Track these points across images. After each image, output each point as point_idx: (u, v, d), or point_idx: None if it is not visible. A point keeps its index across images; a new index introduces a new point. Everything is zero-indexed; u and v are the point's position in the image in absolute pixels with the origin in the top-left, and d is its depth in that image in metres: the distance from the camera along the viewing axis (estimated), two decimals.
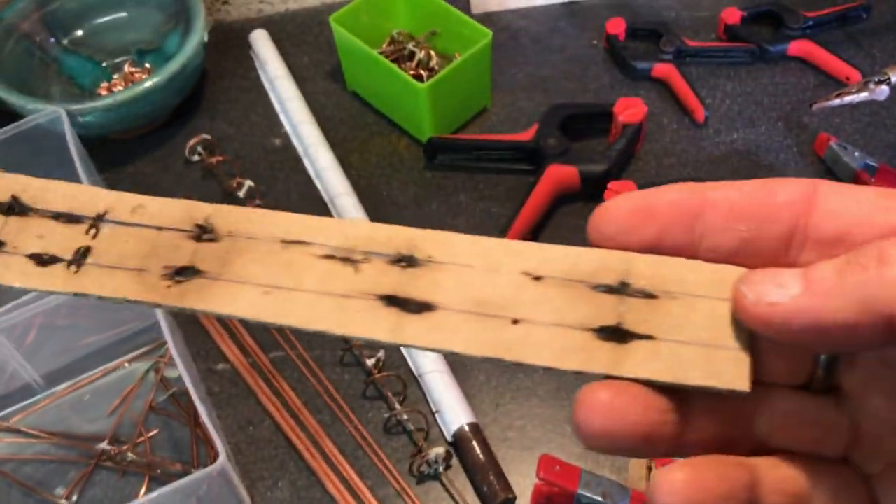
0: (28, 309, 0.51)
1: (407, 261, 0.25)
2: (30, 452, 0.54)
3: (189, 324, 0.59)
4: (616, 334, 0.23)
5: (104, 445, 0.53)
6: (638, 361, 0.22)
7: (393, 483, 0.52)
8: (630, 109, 0.63)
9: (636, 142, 0.64)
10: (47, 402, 0.56)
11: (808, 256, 0.23)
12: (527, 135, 0.63)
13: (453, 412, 0.53)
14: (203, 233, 0.26)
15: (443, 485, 0.52)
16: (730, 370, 0.22)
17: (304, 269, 0.25)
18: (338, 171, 0.65)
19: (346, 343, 0.57)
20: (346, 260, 0.25)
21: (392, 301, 0.24)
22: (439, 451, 0.51)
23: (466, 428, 0.52)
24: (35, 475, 0.53)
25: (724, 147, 0.66)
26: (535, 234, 0.61)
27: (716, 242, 0.23)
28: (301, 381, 0.56)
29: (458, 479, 0.52)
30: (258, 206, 0.63)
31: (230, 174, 0.67)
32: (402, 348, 0.56)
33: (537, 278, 0.24)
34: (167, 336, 0.50)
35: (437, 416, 0.54)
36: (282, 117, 0.70)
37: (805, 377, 0.25)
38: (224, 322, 0.59)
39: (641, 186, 0.60)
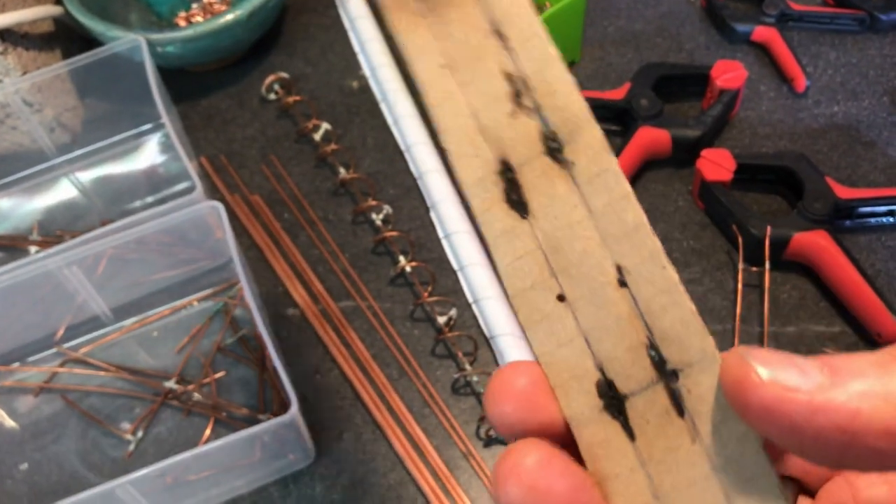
0: (101, 242, 0.50)
1: (553, 154, 0.23)
2: (96, 384, 0.54)
3: (260, 267, 0.58)
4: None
5: (171, 384, 0.52)
6: None
7: (459, 444, 0.51)
8: (729, 73, 0.60)
9: (732, 108, 0.61)
10: (115, 336, 0.56)
11: None
12: (618, 93, 0.61)
13: None
14: None
15: None
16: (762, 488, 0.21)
17: (480, 72, 0.24)
18: (416, 118, 0.63)
19: (416, 297, 0.56)
20: (516, 96, 0.23)
21: (509, 182, 0.23)
22: None
23: None
24: (100, 408, 0.53)
25: (824, 120, 0.62)
26: None
27: None
28: (370, 334, 0.55)
29: None
30: (334, 150, 0.62)
31: (306, 115, 0.65)
32: (474, 307, 0.55)
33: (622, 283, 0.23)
34: (240, 276, 0.49)
35: None
36: (361, 59, 0.68)
37: None
38: (294, 267, 0.58)
39: (736, 156, 0.57)
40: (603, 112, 0.61)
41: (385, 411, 0.52)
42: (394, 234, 0.57)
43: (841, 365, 0.18)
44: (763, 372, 0.18)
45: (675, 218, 0.58)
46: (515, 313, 0.23)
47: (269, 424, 0.44)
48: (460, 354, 0.53)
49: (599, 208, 0.23)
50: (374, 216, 0.59)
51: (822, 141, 0.61)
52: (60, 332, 0.55)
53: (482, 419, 0.51)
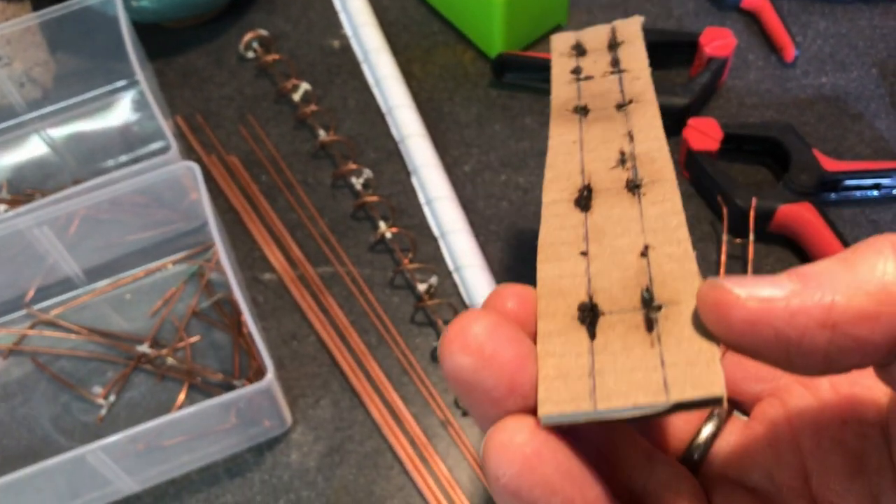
0: (73, 202, 0.49)
1: (630, 188, 0.27)
2: (67, 347, 0.53)
3: (236, 230, 0.57)
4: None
5: (144, 348, 0.51)
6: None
7: (438, 412, 0.50)
8: (718, 41, 0.59)
9: (720, 77, 0.60)
10: (87, 298, 0.54)
11: None
12: None
13: None
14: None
15: None
16: (703, 379, 0.20)
17: (602, 148, 0.30)
18: (399, 80, 0.62)
19: (397, 264, 0.55)
20: (621, 161, 0.29)
21: (584, 195, 0.28)
22: None
23: None
24: (71, 371, 0.52)
25: (812, 91, 0.61)
26: None
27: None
28: (349, 300, 0.54)
29: None
30: (314, 111, 0.60)
31: (285, 74, 0.63)
32: (455, 276, 0.54)
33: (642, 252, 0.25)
34: (216, 239, 0.47)
35: None
36: (342, 17, 0.66)
37: (682, 450, 0.26)
38: (272, 231, 0.57)
39: (723, 126, 0.56)
40: None
41: (363, 378, 0.51)
42: (374, 198, 0.56)
43: (808, 271, 0.19)
44: (740, 291, 0.19)
45: None
46: (538, 257, 0.25)
47: (245, 391, 0.43)
48: (440, 322, 0.52)
49: (651, 215, 0.26)
50: (353, 180, 0.58)
51: (809, 112, 0.60)
52: (31, 294, 0.54)
53: None
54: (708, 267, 0.54)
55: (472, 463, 0.48)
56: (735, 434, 0.26)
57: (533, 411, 0.21)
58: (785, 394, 0.25)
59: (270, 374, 0.43)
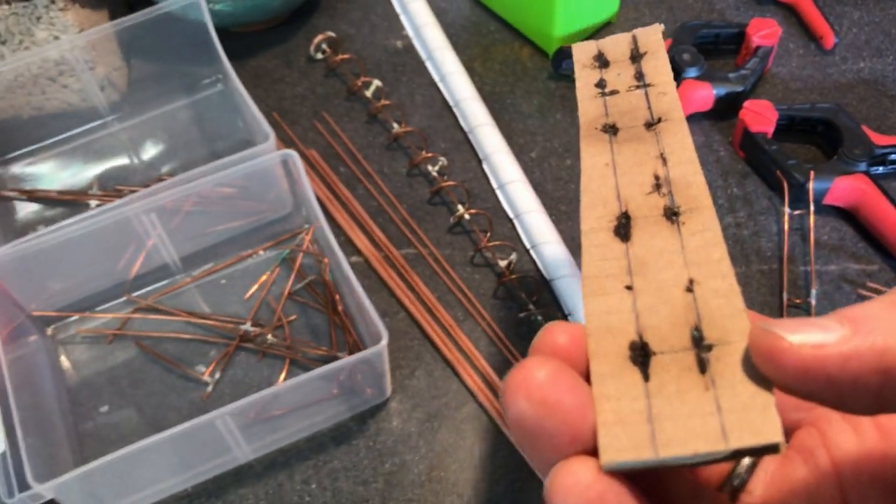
0: (179, 190, 0.52)
1: (668, 215, 0.28)
2: (168, 330, 0.56)
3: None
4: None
5: (247, 326, 0.54)
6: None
7: None
8: (764, 30, 0.63)
9: (766, 64, 0.64)
10: (184, 285, 0.57)
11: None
12: None
13: None
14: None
15: None
16: (761, 426, 0.21)
17: (635, 171, 0.30)
18: (463, 74, 0.65)
19: (475, 244, 0.58)
20: (656, 187, 0.29)
21: (623, 223, 0.28)
22: None
23: None
24: (173, 353, 0.55)
25: (851, 75, 0.65)
26: None
27: None
28: (433, 279, 0.57)
29: None
30: (385, 106, 0.64)
31: (354, 73, 0.67)
32: (532, 252, 0.57)
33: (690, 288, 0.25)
34: (319, 218, 0.51)
35: (569, 318, 0.55)
36: (403, 19, 0.70)
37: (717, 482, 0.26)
38: (355, 217, 0.60)
39: (777, 107, 0.60)
40: None
41: (454, 349, 0.54)
42: (450, 183, 0.60)
43: (857, 314, 0.19)
44: (792, 338, 0.20)
45: (717, 168, 0.61)
46: (582, 290, 0.26)
47: (363, 354, 0.46)
48: (522, 295, 0.56)
49: (692, 247, 0.26)
50: (429, 168, 0.61)
51: (850, 94, 0.64)
52: (133, 274, 0.56)
53: None
54: (769, 238, 0.57)
55: None
56: (774, 463, 0.26)
57: (592, 452, 0.22)
58: (824, 424, 0.25)
59: (385, 338, 0.46)
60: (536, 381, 0.22)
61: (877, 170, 0.59)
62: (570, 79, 0.66)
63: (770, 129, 0.59)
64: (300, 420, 0.51)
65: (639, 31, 0.38)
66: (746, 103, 0.60)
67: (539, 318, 0.55)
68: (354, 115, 0.65)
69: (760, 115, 0.59)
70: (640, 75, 0.35)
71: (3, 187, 0.62)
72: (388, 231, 0.59)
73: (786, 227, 0.57)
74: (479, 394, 0.52)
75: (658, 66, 0.36)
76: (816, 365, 0.19)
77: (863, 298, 0.55)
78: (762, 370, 0.21)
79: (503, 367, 0.54)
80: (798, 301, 0.54)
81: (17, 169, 0.64)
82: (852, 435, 0.24)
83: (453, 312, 0.56)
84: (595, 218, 0.28)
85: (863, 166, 0.56)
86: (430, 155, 0.61)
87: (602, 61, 0.37)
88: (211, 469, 0.50)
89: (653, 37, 0.38)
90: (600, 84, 0.36)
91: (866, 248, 0.57)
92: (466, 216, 0.59)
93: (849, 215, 0.58)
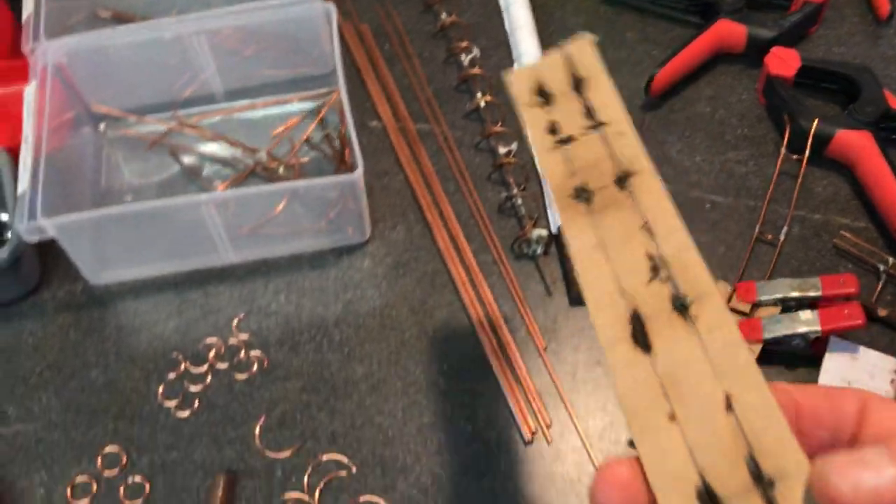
0: (224, 12, 0.59)
1: (679, 310, 0.28)
2: (200, 148, 0.63)
3: (356, 83, 0.66)
4: None
5: (262, 155, 0.61)
6: None
7: (493, 252, 0.57)
8: None
9: (813, 23, 0.65)
10: (224, 114, 0.64)
11: None
12: None
13: None
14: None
15: (537, 266, 0.57)
16: None
17: (627, 252, 0.30)
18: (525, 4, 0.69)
19: (483, 129, 0.62)
20: (654, 270, 0.29)
21: (638, 326, 0.28)
22: (541, 232, 0.56)
23: None
24: (199, 167, 0.62)
25: None
26: (686, 83, 0.64)
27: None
28: (437, 154, 0.62)
29: (551, 266, 0.57)
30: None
31: None
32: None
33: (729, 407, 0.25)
34: (339, 76, 0.56)
35: (548, 208, 0.59)
36: None
37: None
38: (385, 89, 0.65)
39: (803, 58, 0.61)
40: (689, 4, 0.66)
41: (436, 214, 0.59)
42: (477, 72, 0.64)
43: None
44: (847, 488, 0.21)
45: (736, 108, 0.63)
46: (629, 426, 0.26)
47: (341, 178, 0.52)
48: (512, 181, 0.60)
49: (715, 351, 0.26)
50: (462, 57, 0.66)
51: (894, 67, 0.64)
52: (183, 97, 0.64)
53: (517, 238, 0.57)
54: (764, 178, 0.59)
55: (514, 296, 0.55)
56: None
57: None
58: None
59: (360, 169, 0.51)
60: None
61: (889, 134, 0.59)
62: (619, 5, 0.69)
63: (790, 74, 0.60)
64: (286, 242, 0.57)
65: (571, 50, 0.36)
66: (773, 49, 0.61)
67: (519, 202, 0.59)
68: (412, 2, 0.71)
69: (783, 61, 0.60)
70: (589, 112, 0.34)
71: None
72: (412, 107, 0.64)
73: (777, 165, 0.58)
74: (445, 253, 0.57)
75: (605, 99, 0.34)
76: (876, 500, 0.20)
77: (837, 248, 0.56)
78: None
79: (475, 237, 0.58)
80: (770, 237, 0.56)
81: None
82: None
83: (446, 185, 0.61)
84: (609, 325, 0.28)
85: (871, 125, 0.57)
86: (465, 45, 0.66)
87: (544, 95, 0.35)
88: (197, 262, 0.57)
89: (587, 57, 0.35)
90: (553, 130, 0.34)
91: (858, 207, 0.58)
92: (482, 103, 0.63)
93: (850, 174, 0.58)
